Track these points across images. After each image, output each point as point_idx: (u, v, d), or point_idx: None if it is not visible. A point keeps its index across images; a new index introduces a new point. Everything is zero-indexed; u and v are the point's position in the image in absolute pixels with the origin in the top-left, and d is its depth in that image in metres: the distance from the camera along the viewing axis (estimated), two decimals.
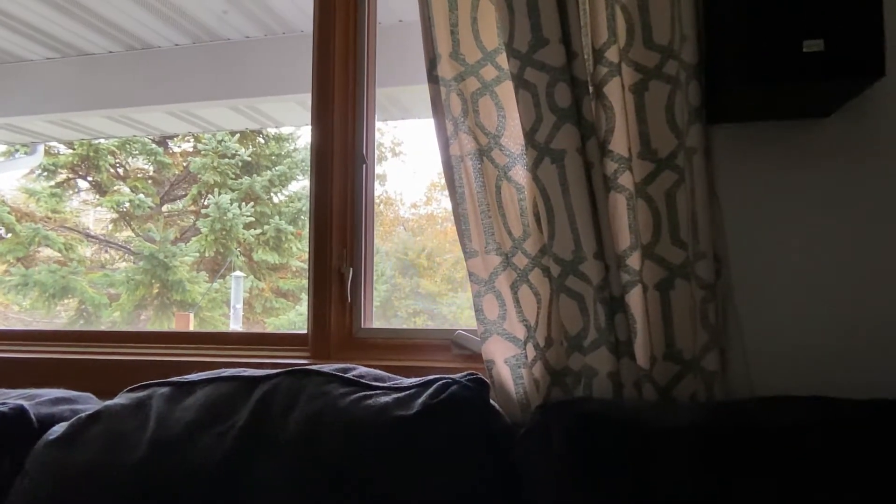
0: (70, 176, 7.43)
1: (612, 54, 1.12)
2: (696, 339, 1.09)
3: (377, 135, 1.58)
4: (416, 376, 1.09)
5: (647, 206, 1.10)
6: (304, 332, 1.48)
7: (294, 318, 6.87)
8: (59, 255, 7.04)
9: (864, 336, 1.12)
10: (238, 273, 6.87)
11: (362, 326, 1.47)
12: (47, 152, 6.85)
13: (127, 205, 7.32)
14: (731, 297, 1.15)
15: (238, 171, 7.23)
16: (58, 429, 1.12)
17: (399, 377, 1.11)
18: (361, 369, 1.12)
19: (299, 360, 1.41)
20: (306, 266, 1.50)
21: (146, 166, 7.57)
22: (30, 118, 4.03)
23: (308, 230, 1.50)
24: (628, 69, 1.10)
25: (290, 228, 7.06)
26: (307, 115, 1.53)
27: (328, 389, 1.05)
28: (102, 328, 6.34)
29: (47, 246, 6.99)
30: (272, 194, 7.31)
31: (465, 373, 1.05)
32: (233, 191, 7.09)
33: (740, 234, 1.16)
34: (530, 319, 1.16)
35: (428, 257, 7.11)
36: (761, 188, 1.16)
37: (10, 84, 3.73)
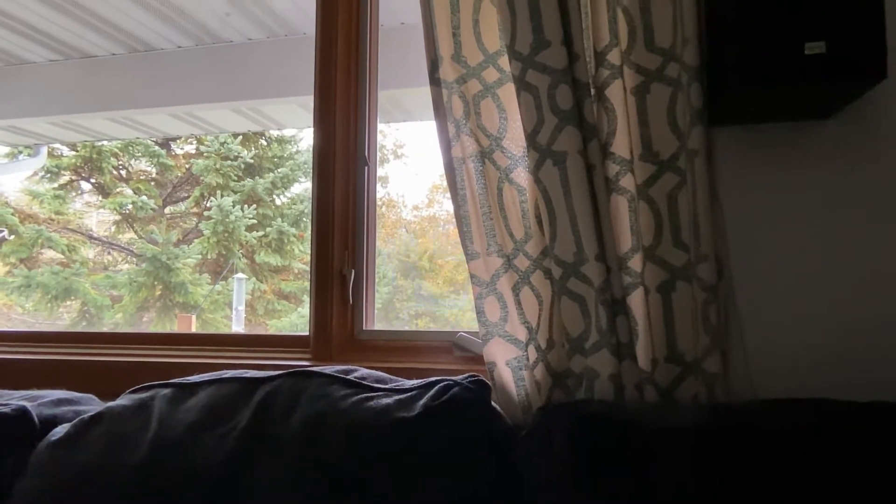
0: (73, 178, 7.44)
1: (613, 56, 1.12)
2: (697, 341, 1.09)
3: (379, 137, 1.58)
4: (417, 378, 1.09)
5: (648, 208, 1.10)
6: (306, 333, 1.49)
7: (296, 320, 6.87)
8: (62, 256, 7.05)
9: (866, 337, 1.12)
10: (240, 275, 6.88)
11: (364, 328, 1.47)
12: (50, 154, 6.87)
13: (130, 207, 7.33)
14: (733, 299, 1.15)
15: (240, 174, 7.23)
16: (60, 430, 1.12)
17: (401, 379, 1.11)
18: (363, 371, 1.12)
19: (301, 362, 1.41)
20: (308, 268, 1.50)
21: (149, 168, 7.59)
22: (33, 120, 4.04)
23: (310, 232, 1.50)
24: (630, 71, 1.10)
25: (293, 230, 7.06)
26: (309, 118, 1.54)
27: (330, 391, 1.05)
28: (105, 330, 6.35)
29: (50, 248, 7.00)
30: (274, 196, 7.32)
31: (466, 375, 1.05)
32: (235, 193, 7.10)
33: (742, 236, 1.16)
34: (532, 321, 1.16)
35: (430, 259, 7.11)
36: (763, 190, 1.16)
37: (14, 86, 3.75)
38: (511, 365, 1.17)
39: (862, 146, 1.14)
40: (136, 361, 1.49)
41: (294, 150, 7.58)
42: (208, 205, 7.09)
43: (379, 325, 1.53)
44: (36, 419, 1.13)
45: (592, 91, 1.13)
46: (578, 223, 1.09)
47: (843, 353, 1.12)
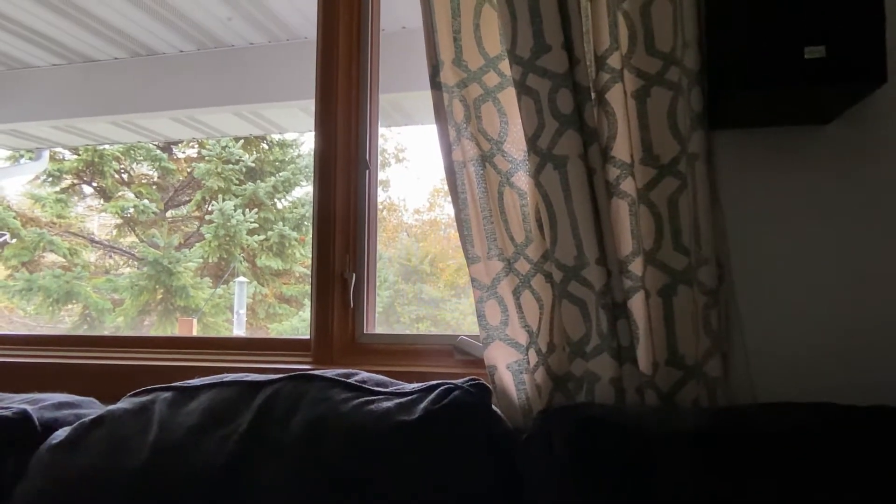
0: (75, 181, 7.46)
1: (614, 61, 1.12)
2: (698, 345, 1.09)
3: (380, 141, 1.58)
4: (418, 382, 1.09)
5: (649, 211, 1.10)
6: (307, 337, 1.49)
7: (297, 323, 6.88)
8: (64, 260, 7.06)
9: (866, 338, 1.12)
10: (241, 279, 6.89)
11: (365, 332, 1.48)
12: (52, 158, 6.89)
13: (131, 210, 7.34)
14: (734, 303, 1.15)
15: (242, 177, 7.25)
16: (61, 433, 1.12)
17: (401, 382, 1.11)
18: (364, 374, 1.12)
19: (302, 366, 1.41)
20: (309, 272, 1.51)
21: (150, 172, 7.61)
22: (35, 124, 4.05)
23: (311, 236, 1.50)
24: (630, 75, 1.11)
25: (294, 234, 7.07)
26: (311, 121, 1.54)
27: (330, 394, 1.05)
28: (106, 333, 6.35)
29: (52, 251, 7.01)
30: (276, 200, 7.33)
31: (467, 378, 1.05)
32: (237, 196, 7.11)
33: (742, 239, 1.16)
34: (532, 325, 1.16)
35: (431, 263, 7.11)
36: (763, 193, 1.16)
37: (16, 90, 3.76)
38: (512, 368, 1.17)
39: (862, 149, 1.14)
40: (137, 365, 1.50)
41: (295, 153, 7.60)
42: (210, 208, 7.11)
43: (380, 329, 1.53)
44: (37, 422, 1.14)
45: (593, 95, 1.13)
46: (579, 227, 1.09)
47: (843, 355, 1.12)
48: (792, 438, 0.90)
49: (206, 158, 7.20)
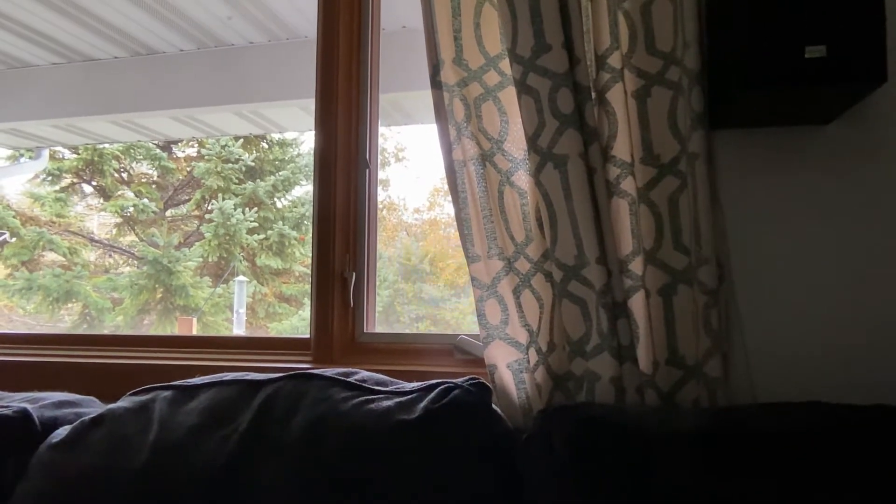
0: (74, 180, 7.45)
1: (614, 60, 1.12)
2: (698, 345, 1.09)
3: (380, 140, 1.58)
4: (418, 381, 1.09)
5: (649, 211, 1.10)
6: (307, 336, 1.49)
7: (297, 323, 6.88)
8: (64, 259, 7.06)
9: (867, 338, 1.12)
10: (241, 278, 6.88)
11: (365, 331, 1.48)
12: (52, 157, 6.88)
13: (131, 209, 7.34)
14: (734, 303, 1.15)
15: (242, 176, 7.24)
16: (61, 432, 1.12)
17: (401, 382, 1.11)
18: (364, 374, 1.12)
19: (302, 365, 1.41)
20: (309, 271, 1.51)
21: (150, 171, 7.60)
22: (35, 123, 4.05)
23: (311, 235, 1.50)
24: (631, 75, 1.11)
25: (294, 233, 7.07)
26: (311, 121, 1.54)
27: (331, 393, 1.05)
28: (106, 332, 6.35)
29: (52, 250, 7.01)
30: (275, 199, 7.33)
31: (467, 377, 1.05)
32: (236, 196, 7.11)
33: (743, 238, 1.16)
34: (532, 324, 1.16)
35: (430, 262, 7.11)
36: (764, 193, 1.16)
37: (16, 89, 3.76)
38: (512, 368, 1.17)
39: (863, 149, 1.14)
40: (137, 364, 1.50)
41: (295, 153, 7.59)
42: (209, 208, 7.10)
43: (380, 328, 1.53)
44: (37, 421, 1.14)
45: (593, 94, 1.13)
46: (579, 226, 1.09)
47: (843, 355, 1.12)
48: (792, 438, 0.90)
49: (206, 157, 7.19)
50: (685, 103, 1.08)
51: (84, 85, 3.69)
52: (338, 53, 1.50)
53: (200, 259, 6.90)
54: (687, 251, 1.10)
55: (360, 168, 1.50)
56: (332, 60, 1.50)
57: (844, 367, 1.12)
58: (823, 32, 0.94)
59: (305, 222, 7.16)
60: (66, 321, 6.97)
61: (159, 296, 6.90)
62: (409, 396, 1.03)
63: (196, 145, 7.42)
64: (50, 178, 7.25)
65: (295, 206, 7.36)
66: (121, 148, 7.23)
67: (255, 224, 6.97)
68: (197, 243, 7.00)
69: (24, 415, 1.13)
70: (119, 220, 7.41)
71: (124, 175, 7.53)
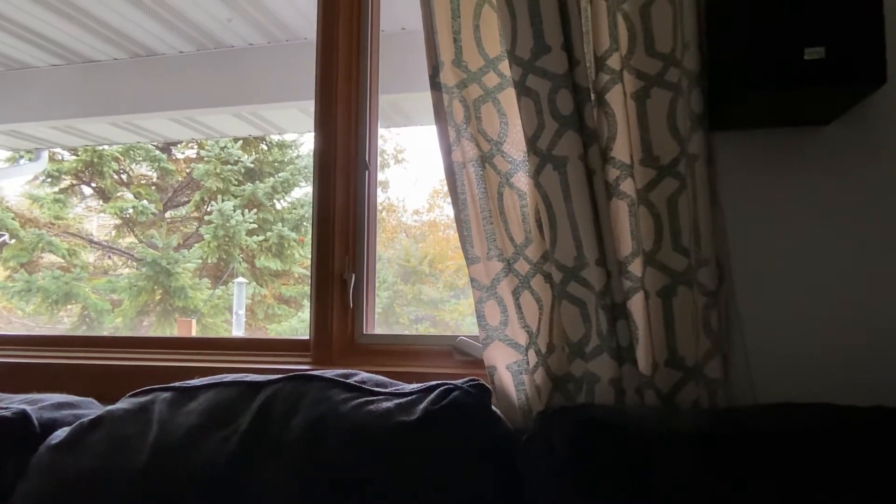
0: (74, 182, 7.45)
1: (613, 62, 1.12)
2: (698, 346, 1.09)
3: (380, 141, 1.58)
4: (417, 382, 1.09)
5: (648, 212, 1.10)
6: (307, 337, 1.49)
7: (296, 324, 6.88)
8: (63, 260, 7.06)
9: (867, 341, 1.12)
10: (240, 279, 6.88)
11: (364, 332, 1.48)
12: (51, 158, 6.88)
13: (130, 211, 7.34)
14: (734, 304, 1.16)
15: (241, 178, 7.25)
16: (60, 433, 1.12)
17: (401, 383, 1.11)
18: (363, 375, 1.12)
19: (301, 366, 1.41)
20: (308, 272, 1.51)
21: (150, 172, 7.61)
22: (34, 124, 4.05)
23: (310, 237, 1.50)
24: (630, 76, 1.11)
25: (293, 235, 7.07)
26: (310, 122, 1.54)
27: (330, 395, 1.05)
28: (105, 334, 6.35)
29: (51, 252, 7.01)
30: (275, 201, 7.33)
31: (466, 379, 1.05)
32: (235, 197, 7.11)
33: (742, 240, 1.16)
34: (532, 325, 1.16)
35: (430, 264, 7.11)
36: (763, 194, 1.16)
37: (16, 90, 3.76)
38: (511, 369, 1.17)
39: (862, 150, 1.14)
40: (137, 365, 1.50)
41: (294, 154, 7.60)
42: (209, 209, 7.11)
43: (379, 330, 1.53)
44: (36, 423, 1.13)
45: (593, 96, 1.13)
46: (579, 228, 1.09)
47: (843, 355, 1.12)
48: (792, 439, 0.90)
49: (205, 159, 7.20)
50: (685, 105, 1.08)
51: (83, 86, 3.69)
52: (337, 55, 1.50)
53: (200, 260, 6.90)
54: (686, 252, 1.10)
55: (360, 169, 1.50)
56: (331, 62, 1.50)
57: (844, 368, 1.12)
58: (823, 34, 0.94)
59: (305, 224, 7.16)
60: (65, 323, 6.97)
61: (158, 297, 6.90)
62: (409, 398, 1.03)
63: (195, 147, 7.43)
64: (49, 179, 7.25)
65: (294, 208, 7.36)
66: (120, 149, 7.23)
67: (255, 225, 6.98)
68: (196, 245, 7.01)
69: (23, 416, 1.13)
70: (118, 221, 7.41)
71: (123, 176, 7.54)
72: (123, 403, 1.15)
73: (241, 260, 7.04)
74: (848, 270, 1.13)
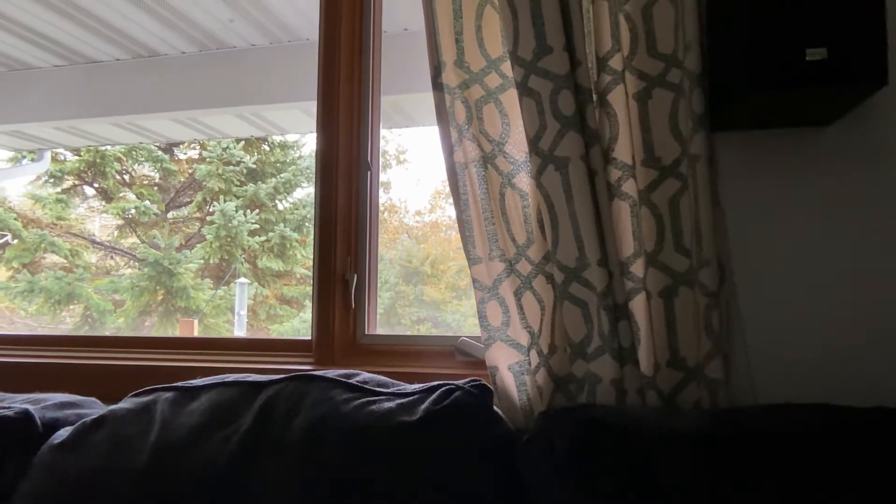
0: (76, 182, 7.47)
1: (615, 62, 1.12)
2: (699, 347, 1.09)
3: (382, 142, 1.58)
4: (419, 382, 1.09)
5: (650, 213, 1.10)
6: (308, 338, 1.49)
7: (298, 325, 6.89)
8: (65, 261, 7.07)
9: (867, 341, 1.12)
10: (242, 280, 6.89)
11: (366, 333, 1.48)
12: (54, 159, 6.90)
13: (132, 211, 7.36)
14: (735, 304, 1.16)
15: (243, 179, 7.26)
16: (63, 433, 1.12)
17: (403, 383, 1.11)
18: (365, 375, 1.13)
19: (303, 366, 1.41)
20: (310, 273, 1.51)
21: (152, 173, 7.62)
22: (37, 125, 4.06)
23: (313, 237, 1.50)
24: (632, 77, 1.11)
25: (295, 235, 7.08)
26: (312, 123, 1.54)
27: (332, 395, 1.06)
28: (107, 334, 6.35)
29: (53, 252, 7.02)
30: (277, 201, 7.35)
31: (468, 379, 1.06)
32: (238, 198, 7.12)
33: (744, 241, 1.16)
34: (534, 326, 1.16)
35: (432, 265, 7.12)
36: (765, 195, 1.16)
37: (18, 91, 3.76)
38: (513, 369, 1.17)
39: (863, 151, 1.14)
40: (139, 365, 1.50)
41: (296, 155, 7.61)
42: (211, 210, 7.12)
43: (381, 331, 1.53)
44: (39, 422, 1.14)
45: (594, 97, 1.13)
46: (580, 228, 1.09)
47: (843, 355, 1.12)
48: (792, 439, 0.90)
49: (208, 160, 7.21)
50: (686, 105, 1.08)
51: (86, 87, 3.69)
52: (339, 56, 1.50)
53: (202, 261, 6.91)
54: (688, 253, 1.10)
55: (362, 170, 1.50)
56: (333, 63, 1.50)
57: (845, 368, 1.12)
58: (824, 34, 0.94)
59: (307, 224, 7.17)
60: (67, 323, 6.98)
61: (160, 298, 6.91)
62: (411, 398, 1.03)
63: (198, 147, 7.44)
64: (52, 180, 7.27)
65: (296, 208, 7.37)
66: (122, 150, 7.25)
67: (257, 226, 6.99)
68: (198, 245, 7.02)
69: (25, 416, 1.13)
70: (120, 222, 7.43)
71: (126, 177, 7.55)
72: (126, 403, 1.15)
73: (243, 260, 7.05)
74: (848, 270, 1.13)
